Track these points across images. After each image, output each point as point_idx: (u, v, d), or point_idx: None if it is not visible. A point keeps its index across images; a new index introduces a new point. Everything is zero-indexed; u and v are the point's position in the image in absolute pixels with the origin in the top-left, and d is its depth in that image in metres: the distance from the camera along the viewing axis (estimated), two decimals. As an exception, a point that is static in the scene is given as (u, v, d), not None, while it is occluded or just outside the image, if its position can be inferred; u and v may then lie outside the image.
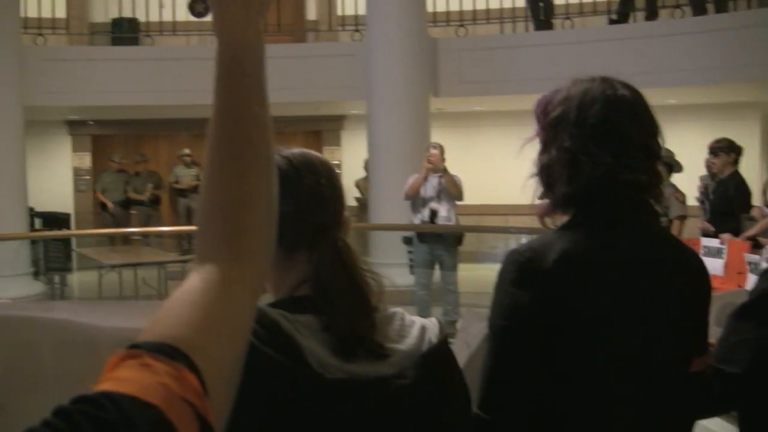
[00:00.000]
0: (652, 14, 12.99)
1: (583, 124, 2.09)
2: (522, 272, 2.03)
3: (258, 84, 1.23)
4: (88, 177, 17.99)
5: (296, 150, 1.92)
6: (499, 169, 12.66)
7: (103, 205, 16.90)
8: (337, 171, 1.99)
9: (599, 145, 2.07)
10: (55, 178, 17.43)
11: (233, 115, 1.20)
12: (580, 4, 13.47)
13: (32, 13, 13.50)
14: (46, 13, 14.01)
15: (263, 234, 1.20)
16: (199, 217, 1.19)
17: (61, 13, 14.91)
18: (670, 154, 10.01)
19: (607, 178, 2.06)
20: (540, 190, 2.16)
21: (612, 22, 13.22)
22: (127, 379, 0.93)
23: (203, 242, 1.17)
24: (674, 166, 10.30)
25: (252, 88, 1.22)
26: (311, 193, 1.85)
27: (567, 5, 13.37)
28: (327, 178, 1.89)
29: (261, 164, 1.20)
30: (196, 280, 1.11)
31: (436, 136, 12.33)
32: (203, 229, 1.18)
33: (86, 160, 18.09)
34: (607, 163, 2.06)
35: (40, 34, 13.77)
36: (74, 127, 17.88)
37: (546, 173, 2.13)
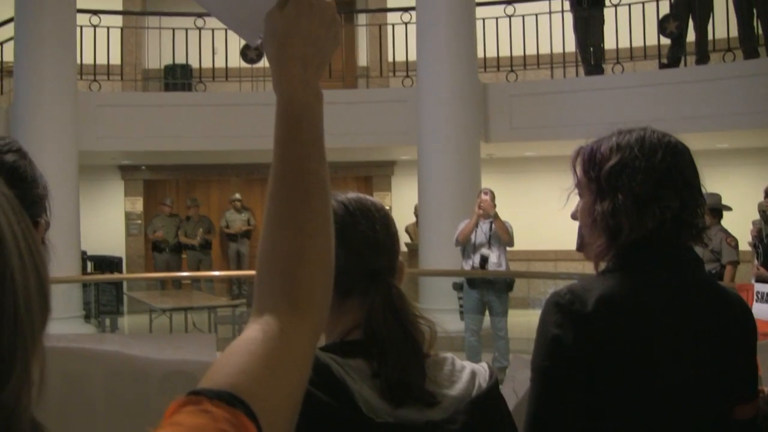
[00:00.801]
0: (703, 58, 12.91)
1: (651, 170, 2.11)
2: (563, 314, 2.04)
3: (316, 141, 1.27)
4: (139, 221, 18.14)
5: (352, 195, 1.94)
6: (550, 215, 12.56)
7: (155, 246, 17.00)
8: (389, 216, 1.98)
9: (667, 191, 2.10)
10: (108, 222, 17.59)
11: (292, 170, 1.25)
12: (631, 49, 13.42)
13: (87, 59, 13.69)
14: (101, 60, 14.21)
15: (321, 286, 1.23)
16: (259, 269, 1.22)
17: (115, 59, 15.12)
18: (718, 198, 9.92)
19: (675, 223, 2.10)
20: (598, 237, 2.17)
21: (663, 66, 13.16)
22: (187, 424, 0.96)
23: (262, 293, 1.21)
24: (722, 211, 10.19)
25: (310, 145, 1.26)
26: (366, 239, 1.86)
27: (617, 50, 13.32)
28: (382, 224, 1.90)
29: (319, 219, 1.24)
30: (255, 331, 1.14)
31: (487, 181, 12.30)
32: (262, 280, 1.22)
33: (138, 205, 18.25)
34: (675, 209, 2.10)
35: (95, 80, 13.96)
36: (127, 171, 18.07)
37: (609, 221, 2.13)
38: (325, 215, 1.25)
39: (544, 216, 12.21)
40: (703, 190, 2.20)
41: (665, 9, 13.25)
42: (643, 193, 2.09)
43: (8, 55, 13.09)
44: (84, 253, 14.25)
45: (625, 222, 2.10)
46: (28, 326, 0.86)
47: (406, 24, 14.12)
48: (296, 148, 1.26)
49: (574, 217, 2.26)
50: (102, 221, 17.21)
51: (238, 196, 17.49)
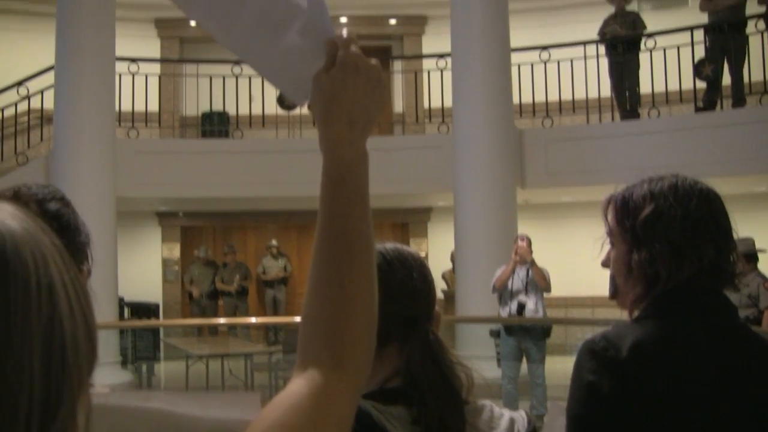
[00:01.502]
0: (739, 101, 12.88)
1: (687, 218, 2.12)
2: (598, 361, 2.04)
3: (361, 200, 1.31)
4: (176, 267, 18.23)
5: (389, 245, 1.99)
6: (587, 261, 12.51)
7: (191, 295, 17.09)
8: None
9: (703, 239, 2.11)
10: (145, 268, 17.69)
11: (337, 229, 1.28)
12: (666, 93, 13.39)
13: (126, 107, 13.84)
14: (139, 107, 14.35)
15: (364, 340, 1.27)
16: (303, 324, 1.26)
17: (153, 106, 15.28)
18: (751, 242, 9.83)
19: (711, 270, 2.10)
20: (634, 286, 2.16)
21: (699, 109, 13.12)
22: None
23: (306, 348, 1.25)
24: (757, 255, 10.08)
25: (355, 204, 1.30)
26: (403, 287, 1.90)
27: (653, 94, 13.29)
28: (419, 273, 1.93)
29: (363, 277, 1.28)
30: (299, 386, 1.18)
31: (524, 227, 12.28)
32: (306, 335, 1.25)
33: (175, 251, 18.35)
34: (711, 256, 2.10)
35: (133, 127, 14.09)
36: (164, 218, 18.19)
37: (647, 270, 2.13)
38: (368, 273, 1.29)
39: (581, 262, 12.12)
40: (735, 236, 2.20)
41: (700, 53, 13.24)
42: (679, 242, 2.10)
43: (48, 102, 13.25)
44: (121, 299, 14.32)
45: (662, 270, 2.10)
46: (76, 371, 0.88)
47: (441, 70, 14.18)
48: (341, 207, 1.29)
49: (605, 264, 2.27)
50: (139, 267, 17.30)
51: (274, 242, 17.56)
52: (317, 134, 1.35)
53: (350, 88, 1.32)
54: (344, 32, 1.36)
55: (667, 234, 2.11)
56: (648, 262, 2.12)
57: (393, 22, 18.88)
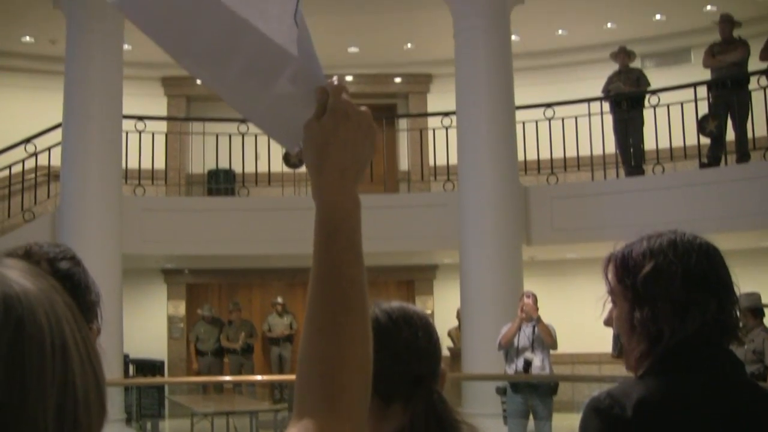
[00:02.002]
0: (743, 156, 12.91)
1: (688, 274, 2.11)
2: (603, 420, 2.03)
3: (354, 247, 1.30)
4: (182, 325, 18.18)
5: (395, 304, 1.98)
6: (593, 317, 12.45)
7: (197, 350, 17.04)
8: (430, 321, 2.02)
9: (705, 294, 2.09)
10: (150, 325, 17.63)
11: (331, 278, 1.28)
12: (671, 149, 13.43)
13: (132, 164, 13.91)
14: (146, 165, 14.42)
15: (359, 390, 1.25)
16: (299, 373, 1.26)
17: (160, 164, 15.34)
18: (757, 297, 9.80)
19: (714, 325, 2.09)
20: (638, 343, 2.15)
21: (703, 165, 13.15)
22: None
23: (302, 397, 1.24)
24: (763, 310, 10.05)
25: (348, 252, 1.29)
26: (408, 346, 1.89)
27: (657, 150, 13.34)
28: (424, 332, 1.94)
29: (357, 324, 1.27)
30: None
31: (529, 284, 12.25)
32: (302, 384, 1.25)
33: (181, 309, 18.32)
34: (714, 311, 2.09)
35: (140, 185, 14.14)
36: (170, 275, 18.18)
37: (650, 327, 2.12)
38: (363, 321, 1.28)
39: (587, 318, 12.08)
40: (738, 290, 2.18)
41: (704, 109, 13.31)
42: (681, 298, 2.09)
43: (55, 159, 13.31)
44: (126, 356, 14.27)
45: (665, 327, 2.09)
46: (86, 428, 0.90)
47: (446, 128, 14.24)
48: (334, 255, 1.29)
49: (607, 323, 2.27)
50: (144, 324, 17.25)
51: (280, 299, 17.53)
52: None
53: (341, 135, 1.33)
54: (335, 80, 1.37)
55: (669, 291, 2.10)
56: (650, 319, 2.11)
57: (398, 80, 19.00)
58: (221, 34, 1.40)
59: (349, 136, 1.34)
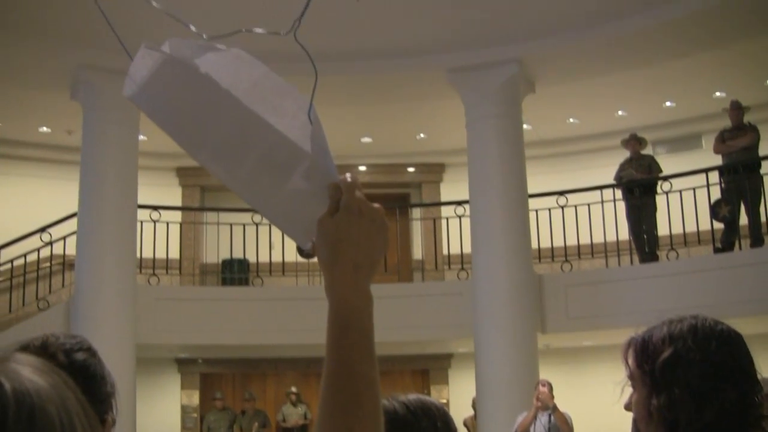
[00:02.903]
0: (757, 241, 12.88)
1: (707, 362, 2.07)
2: None
3: (366, 344, 1.31)
4: (195, 415, 18.04)
5: (413, 396, 2.00)
6: (609, 405, 12.34)
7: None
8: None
9: (724, 382, 2.05)
10: (164, 414, 17.51)
11: (342, 373, 1.28)
12: (684, 235, 13.41)
13: (147, 253, 13.95)
14: (160, 254, 14.47)
15: None
16: None
17: (174, 254, 15.39)
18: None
19: (733, 414, 2.04)
20: (655, 431, 2.11)
21: (717, 250, 13.13)
22: None
23: None
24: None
25: (360, 348, 1.30)
26: None
27: (671, 236, 13.33)
28: (443, 422, 1.97)
29: (369, 420, 1.27)
30: None
31: (545, 372, 12.16)
32: None
33: (194, 398, 18.20)
34: (735, 400, 2.04)
35: (154, 274, 14.17)
36: (184, 364, 18.10)
37: (666, 415, 2.08)
38: (374, 416, 1.28)
39: (603, 406, 11.98)
40: (760, 376, 2.14)
41: (716, 194, 13.33)
42: (700, 387, 2.05)
43: (70, 248, 13.38)
44: (139, 447, 14.16)
45: (682, 416, 2.06)
46: None
47: (460, 217, 14.28)
48: (346, 351, 1.29)
49: (627, 408, 2.23)
50: (158, 414, 17.14)
51: (294, 389, 17.42)
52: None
53: (354, 232, 1.35)
54: (348, 176, 1.39)
55: (687, 378, 2.06)
56: (667, 407, 2.07)
57: (411, 169, 19.10)
58: (236, 130, 1.41)
59: (362, 233, 1.36)
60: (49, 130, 16.47)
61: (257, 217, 13.58)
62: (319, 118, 1.44)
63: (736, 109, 13.57)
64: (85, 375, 1.93)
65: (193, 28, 1.54)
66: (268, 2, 11.60)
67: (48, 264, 14.65)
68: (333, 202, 1.37)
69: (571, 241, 14.16)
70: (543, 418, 10.04)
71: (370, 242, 1.37)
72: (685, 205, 13.30)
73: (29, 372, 0.92)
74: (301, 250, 1.53)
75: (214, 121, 1.42)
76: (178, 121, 1.45)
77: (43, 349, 1.96)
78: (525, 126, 13.78)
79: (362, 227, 1.36)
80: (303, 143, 1.41)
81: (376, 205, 1.40)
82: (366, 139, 17.49)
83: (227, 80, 1.41)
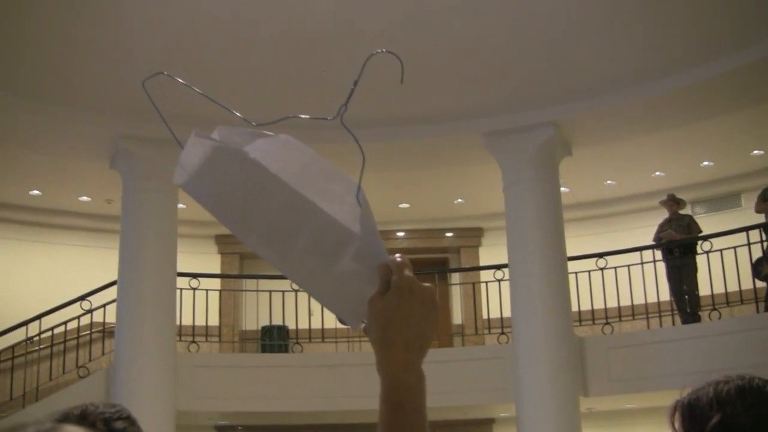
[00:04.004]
0: (802, 298, 12.77)
1: (757, 428, 1.99)
2: None
3: (419, 421, 1.31)
4: (236, 483, 17.95)
5: None
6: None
7: None
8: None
9: None
10: (204, 484, 17.45)
11: None
12: (726, 294, 13.29)
13: (186, 321, 13.99)
14: (200, 322, 14.50)
15: None
16: None
17: (213, 321, 15.42)
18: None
19: None
20: None
21: (764, 308, 13.00)
22: None
23: None
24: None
25: (413, 426, 1.30)
26: None
27: (713, 296, 13.19)
28: None
29: None
30: None
31: (587, 436, 12.03)
32: None
33: (235, 466, 18.12)
34: None
35: (194, 341, 14.19)
36: (223, 432, 18.05)
37: None
38: None
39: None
40: None
41: (758, 252, 13.21)
42: None
43: (110, 316, 13.45)
44: None
45: None
46: None
47: (499, 281, 14.22)
48: (399, 429, 1.30)
49: None
50: (198, 484, 17.08)
51: (334, 455, 17.31)
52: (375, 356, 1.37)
53: (405, 311, 1.36)
54: (397, 257, 1.40)
55: None
56: None
57: (449, 234, 19.11)
58: (286, 214, 1.44)
59: (412, 311, 1.36)
60: (89, 199, 16.65)
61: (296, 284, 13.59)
62: (368, 203, 1.46)
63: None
64: None
65: (238, 114, 1.57)
66: (309, 88, 11.75)
67: (88, 332, 14.74)
68: (383, 282, 1.39)
69: (612, 303, 14.05)
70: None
71: (420, 321, 1.37)
72: (726, 265, 13.19)
73: None
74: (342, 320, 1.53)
75: (264, 206, 1.45)
76: (228, 207, 1.49)
77: (82, 419, 1.97)
78: (562, 188, 13.75)
79: (413, 306, 1.37)
80: (352, 225, 1.43)
81: (426, 284, 1.41)
82: (404, 205, 17.53)
83: (276, 165, 1.44)
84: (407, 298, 1.36)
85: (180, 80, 1.61)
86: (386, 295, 1.37)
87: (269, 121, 1.53)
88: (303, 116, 1.70)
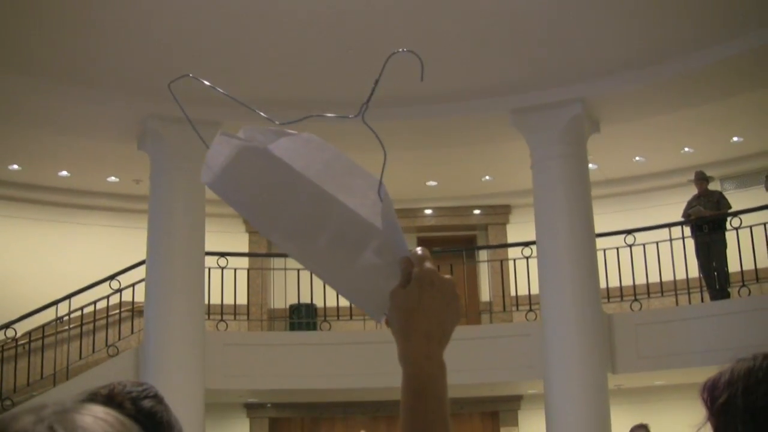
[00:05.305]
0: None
1: (751, 409, 1.95)
2: None
3: (441, 411, 1.34)
4: (265, 460, 18.06)
5: None
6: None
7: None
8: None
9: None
10: (234, 462, 17.57)
11: None
12: (756, 270, 13.22)
13: (215, 300, 14.05)
14: (228, 301, 14.56)
15: None
16: None
17: (241, 300, 15.47)
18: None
19: None
20: None
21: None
22: None
23: None
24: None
25: (434, 414, 1.33)
26: None
27: (742, 272, 13.12)
28: None
29: None
30: None
31: (616, 412, 12.02)
32: None
33: (264, 443, 18.23)
34: None
35: (222, 320, 14.26)
36: (252, 409, 18.13)
37: None
38: None
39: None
40: None
41: (788, 229, 13.14)
42: None
43: (139, 296, 13.53)
44: (210, 494, 14.20)
45: None
46: None
47: (527, 258, 14.20)
48: (421, 417, 1.32)
49: None
50: (228, 461, 17.19)
51: (363, 432, 17.39)
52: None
53: (426, 303, 1.38)
54: (419, 250, 1.43)
55: (736, 427, 1.95)
56: None
57: (477, 212, 19.07)
58: (309, 210, 1.48)
59: (434, 302, 1.39)
60: (118, 180, 16.72)
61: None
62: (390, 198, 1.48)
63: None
64: (152, 422, 1.96)
65: (260, 112, 1.60)
66: (336, 68, 11.74)
67: (117, 311, 14.84)
68: (405, 275, 1.41)
69: (640, 280, 14.01)
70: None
71: (441, 312, 1.40)
72: (756, 241, 13.12)
73: (90, 421, 0.92)
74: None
75: (288, 203, 1.48)
76: (253, 204, 1.53)
77: (110, 399, 1.99)
78: (591, 165, 13.70)
79: (434, 297, 1.39)
80: (374, 220, 1.46)
81: (447, 276, 1.43)
82: (431, 183, 17.52)
83: (300, 163, 1.47)
84: (428, 290, 1.39)
85: (206, 82, 1.64)
86: (408, 287, 1.40)
87: (292, 120, 1.55)
88: (326, 115, 1.73)
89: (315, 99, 12.39)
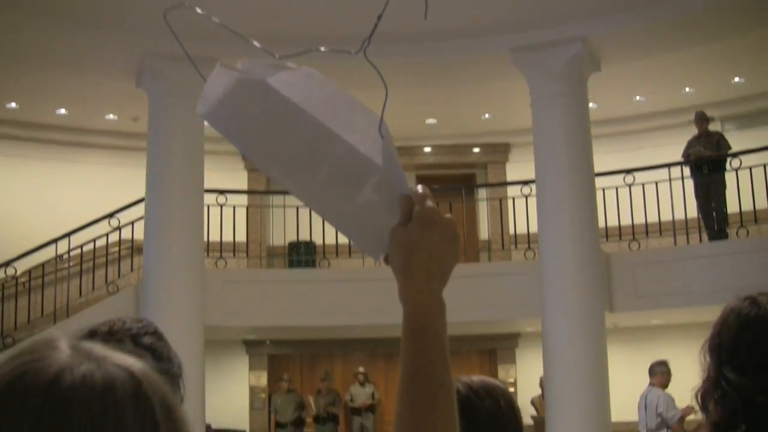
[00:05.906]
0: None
1: (720, 349, 2.00)
2: None
3: (441, 348, 1.34)
4: (263, 395, 18.23)
5: (475, 377, 2.06)
6: (680, 384, 12.26)
7: (277, 423, 17.08)
8: (512, 389, 2.04)
9: (736, 371, 1.95)
10: (232, 396, 17.72)
11: (418, 376, 1.32)
12: (755, 212, 13.22)
13: (214, 237, 14.08)
14: (227, 238, 14.59)
15: None
16: None
17: (241, 237, 15.50)
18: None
19: (745, 404, 1.92)
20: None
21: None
22: None
23: None
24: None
25: (435, 353, 1.33)
26: (491, 416, 1.94)
27: (740, 213, 13.14)
28: (506, 401, 2.00)
29: (445, 422, 1.30)
30: None
31: (613, 351, 12.09)
32: None
33: (263, 379, 18.38)
34: (745, 389, 1.92)
35: (221, 257, 14.30)
36: (251, 346, 18.27)
37: (700, 401, 2.03)
38: (450, 419, 1.30)
39: (674, 385, 11.90)
40: None
41: (787, 170, 13.13)
42: (715, 375, 1.98)
43: (138, 233, 13.56)
44: (208, 426, 14.32)
45: (708, 404, 1.99)
46: None
47: (526, 197, 14.21)
48: (421, 356, 1.32)
49: None
50: (227, 395, 17.34)
51: (361, 369, 17.51)
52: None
53: (427, 241, 1.38)
54: (420, 188, 1.42)
55: (710, 366, 2.01)
56: (700, 395, 2.02)
57: (477, 150, 19.05)
58: (308, 145, 1.45)
59: (435, 241, 1.39)
60: (116, 117, 16.68)
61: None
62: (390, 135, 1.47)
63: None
64: (152, 357, 1.97)
65: (257, 44, 1.57)
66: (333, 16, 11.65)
67: (117, 249, 14.88)
68: (406, 213, 1.41)
69: (639, 220, 14.03)
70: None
71: (442, 251, 1.40)
72: (756, 182, 13.11)
73: (130, 362, 1.00)
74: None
75: (287, 137, 1.46)
76: (250, 138, 1.50)
77: (109, 335, 2.01)
78: (591, 104, 13.64)
79: (435, 236, 1.39)
80: (374, 157, 1.44)
81: (448, 215, 1.43)
82: (431, 121, 17.47)
83: (299, 97, 1.45)
84: (429, 228, 1.38)
85: (200, 11, 1.61)
86: (408, 225, 1.39)
87: (292, 53, 1.53)
88: (326, 49, 1.70)
89: (315, 35, 12.30)
